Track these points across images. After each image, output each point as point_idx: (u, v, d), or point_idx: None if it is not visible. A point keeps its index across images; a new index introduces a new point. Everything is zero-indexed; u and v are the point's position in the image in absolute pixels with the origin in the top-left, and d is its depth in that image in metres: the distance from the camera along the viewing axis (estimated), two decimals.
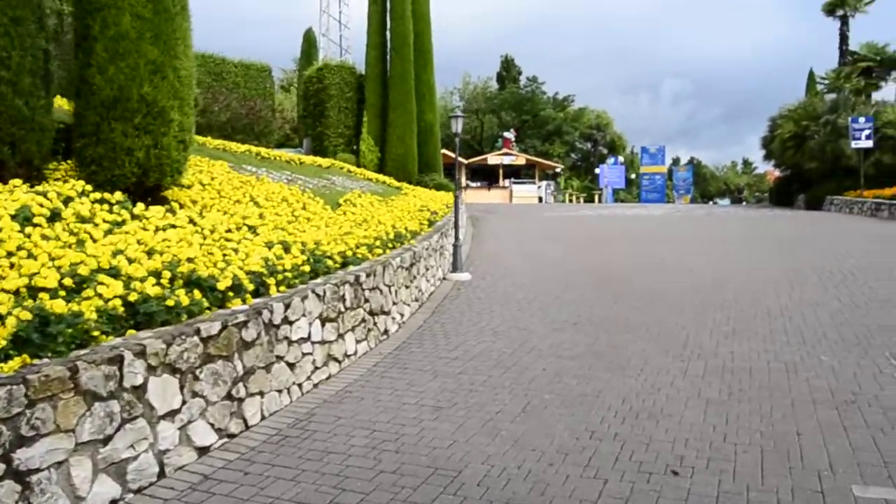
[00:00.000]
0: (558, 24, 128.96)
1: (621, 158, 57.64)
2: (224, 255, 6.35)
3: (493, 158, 47.11)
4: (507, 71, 65.55)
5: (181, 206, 8.05)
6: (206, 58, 24.55)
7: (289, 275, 6.58)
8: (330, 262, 7.38)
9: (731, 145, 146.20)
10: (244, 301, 5.78)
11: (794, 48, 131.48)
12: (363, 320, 7.35)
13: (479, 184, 47.75)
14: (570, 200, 49.34)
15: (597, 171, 53.95)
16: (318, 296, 6.41)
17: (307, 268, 6.88)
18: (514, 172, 48.93)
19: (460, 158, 47.05)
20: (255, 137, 21.13)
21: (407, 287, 9.06)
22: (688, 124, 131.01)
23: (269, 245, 7.23)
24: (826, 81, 38.06)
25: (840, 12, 38.17)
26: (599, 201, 48.88)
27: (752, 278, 11.08)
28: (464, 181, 46.72)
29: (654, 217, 25.96)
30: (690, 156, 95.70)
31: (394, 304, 8.41)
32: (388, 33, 26.27)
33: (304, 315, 6.14)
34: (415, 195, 19.80)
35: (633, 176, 57.03)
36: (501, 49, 73.44)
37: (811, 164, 30.46)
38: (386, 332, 8.03)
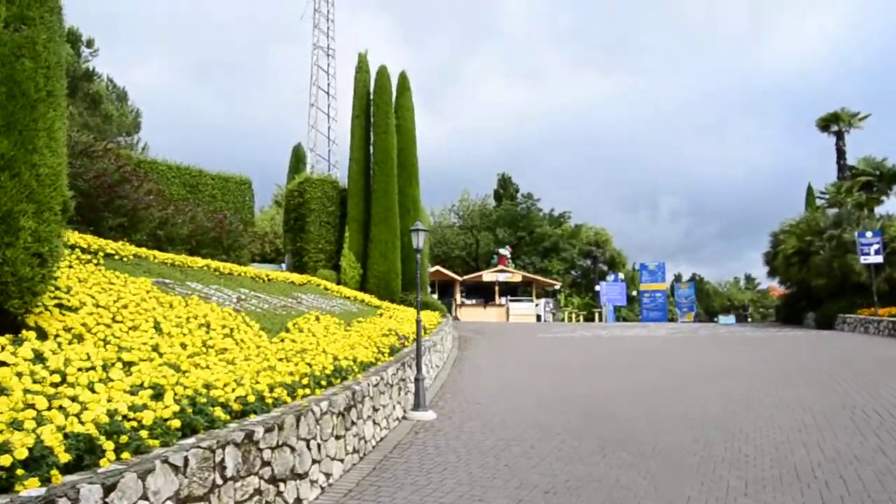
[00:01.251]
0: (558, 144, 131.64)
1: (621, 275, 56.26)
2: (49, 407, 4.60)
3: (488, 275, 45.77)
4: (505, 188, 65.41)
5: (43, 336, 6.34)
6: (181, 169, 23.64)
7: (144, 434, 4.77)
8: (218, 413, 5.57)
9: (731, 261, 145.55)
10: (48, 480, 3.97)
11: (789, 164, 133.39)
12: (257, 492, 5.46)
13: (474, 301, 46.20)
14: (570, 319, 47.57)
15: (597, 288, 52.43)
16: (172, 467, 4.57)
17: (177, 422, 5.07)
18: (510, 290, 47.51)
19: (454, 275, 45.97)
20: (223, 252, 19.68)
21: (339, 437, 7.18)
22: (687, 240, 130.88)
23: (135, 390, 5.47)
24: (826, 196, 37.12)
25: (835, 128, 37.81)
26: (600, 320, 47.04)
27: (773, 422, 9.16)
28: (459, 298, 45.26)
29: (656, 339, 24.09)
30: (692, 272, 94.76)
31: (315, 462, 6.51)
32: (371, 148, 25.48)
33: (144, 498, 4.30)
34: (391, 315, 18.14)
35: (634, 293, 55.50)
36: (501, 168, 74.31)
37: (818, 280, 28.89)
38: (299, 501, 6.11)
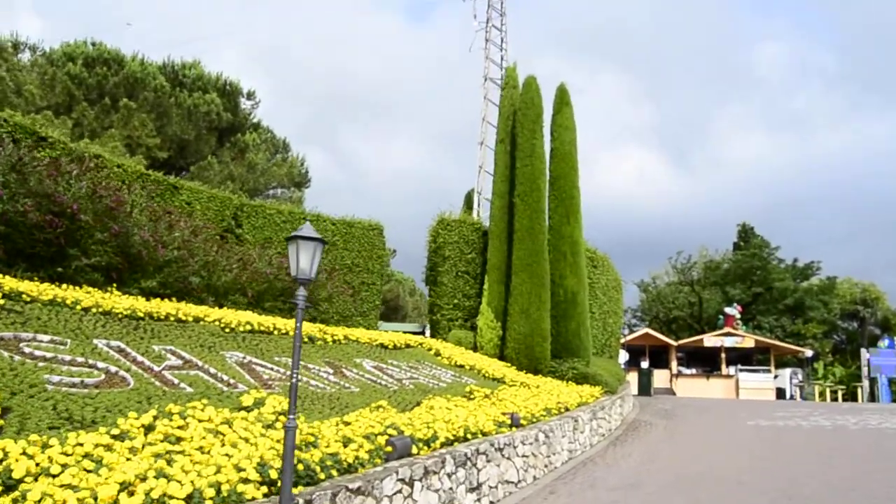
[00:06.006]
0: (820, 199, 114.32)
1: None
2: None
3: (710, 339, 37.68)
4: (745, 241, 55.82)
5: None
6: (294, 214, 20.45)
7: None
8: None
9: None
10: None
11: None
12: None
13: (694, 371, 38.33)
14: (825, 395, 37.37)
15: (865, 355, 41.00)
16: None
17: None
18: (742, 357, 38.79)
19: (667, 339, 38.39)
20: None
21: None
22: None
23: None
24: None
25: None
26: (870, 398, 36.35)
27: None
28: (675, 367, 37.76)
29: None
30: None
31: None
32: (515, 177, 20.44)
33: None
34: (501, 399, 12.72)
35: None
36: (762, 230, 59.82)
37: None
38: None
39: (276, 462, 5.63)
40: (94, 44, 30.46)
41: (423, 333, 24.16)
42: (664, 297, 43.94)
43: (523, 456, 10.06)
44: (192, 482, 4.92)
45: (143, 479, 4.77)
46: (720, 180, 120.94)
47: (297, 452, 5.96)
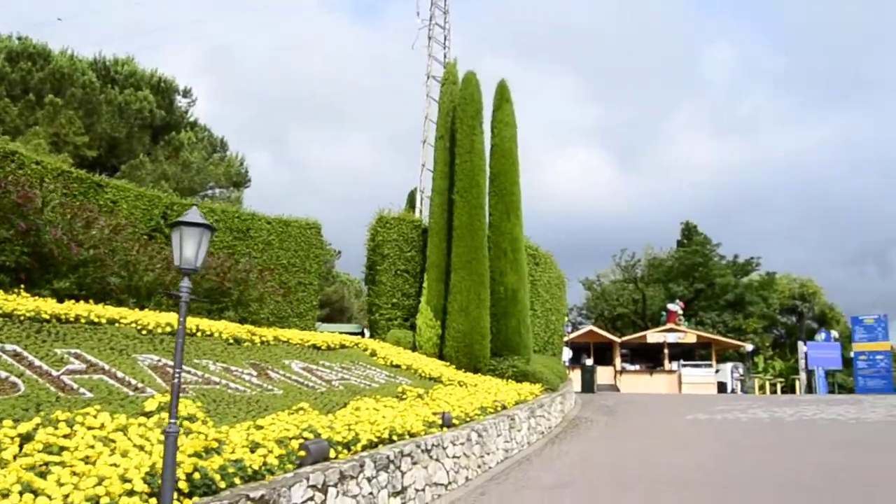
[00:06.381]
0: (764, 200, 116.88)
1: (835, 333, 45.39)
2: None
3: (653, 336, 38.08)
4: (689, 238, 56.71)
5: None
6: (227, 213, 19.80)
7: None
8: None
9: None
10: None
11: None
12: None
13: (637, 367, 38.66)
14: (764, 388, 38.17)
15: (802, 348, 41.91)
16: None
17: None
18: (684, 353, 39.32)
19: (611, 336, 38.71)
20: (231, 307, 15.23)
21: None
22: None
23: None
24: None
25: None
26: (808, 390, 37.23)
27: None
28: (619, 364, 38.06)
29: (869, 427, 15.99)
30: None
31: None
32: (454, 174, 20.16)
33: None
34: (427, 402, 12.38)
35: (853, 354, 44.26)
36: (707, 229, 60.40)
37: None
38: None
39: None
40: (19, 38, 29.19)
41: (362, 334, 23.76)
42: (609, 294, 44.37)
43: (454, 457, 9.77)
44: (65, 496, 4.50)
45: (6, 496, 4.33)
46: (668, 181, 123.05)
47: (195, 460, 5.56)
